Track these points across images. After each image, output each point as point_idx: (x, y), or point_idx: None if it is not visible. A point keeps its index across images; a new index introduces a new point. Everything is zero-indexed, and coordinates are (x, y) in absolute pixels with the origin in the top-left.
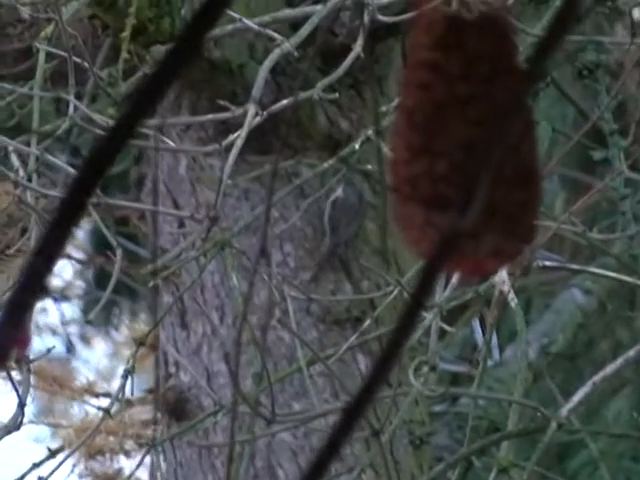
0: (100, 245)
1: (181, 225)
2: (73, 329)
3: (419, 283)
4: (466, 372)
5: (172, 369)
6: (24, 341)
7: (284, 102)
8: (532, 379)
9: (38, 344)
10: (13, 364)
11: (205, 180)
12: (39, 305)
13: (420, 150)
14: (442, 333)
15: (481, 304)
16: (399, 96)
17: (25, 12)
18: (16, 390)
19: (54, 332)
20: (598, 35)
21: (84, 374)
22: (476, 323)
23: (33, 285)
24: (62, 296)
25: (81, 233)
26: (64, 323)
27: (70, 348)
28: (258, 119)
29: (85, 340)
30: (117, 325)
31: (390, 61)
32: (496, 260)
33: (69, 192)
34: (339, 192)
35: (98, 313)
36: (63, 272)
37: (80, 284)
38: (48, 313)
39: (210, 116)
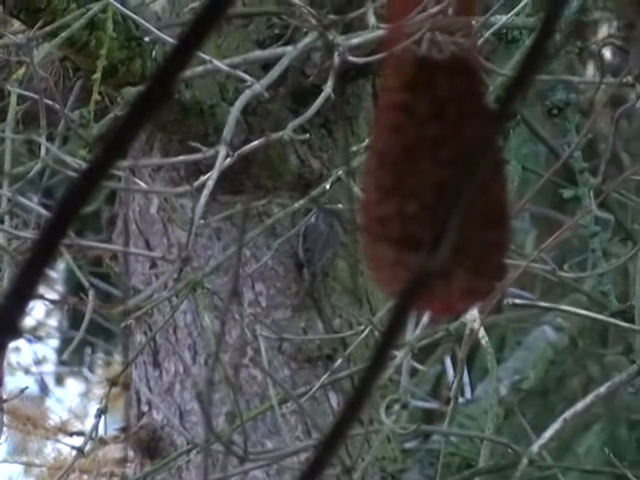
0: (74, 285)
1: (153, 265)
2: (47, 369)
3: (389, 322)
4: (438, 409)
5: (145, 408)
6: None
7: (255, 143)
8: (504, 415)
9: (12, 384)
10: None
11: (177, 220)
12: (13, 345)
13: (390, 190)
14: (414, 370)
15: (452, 342)
16: (370, 137)
17: None
18: None
19: (27, 371)
20: (570, 74)
21: (58, 413)
22: (448, 361)
23: (5, 326)
24: (35, 336)
25: (54, 273)
26: (37, 363)
27: (44, 388)
28: (229, 160)
29: (59, 380)
30: (90, 365)
31: (361, 101)
32: (467, 299)
33: (42, 234)
34: (311, 219)
35: (72, 353)
36: (36, 312)
37: (53, 324)
38: (21, 353)
39: (181, 157)
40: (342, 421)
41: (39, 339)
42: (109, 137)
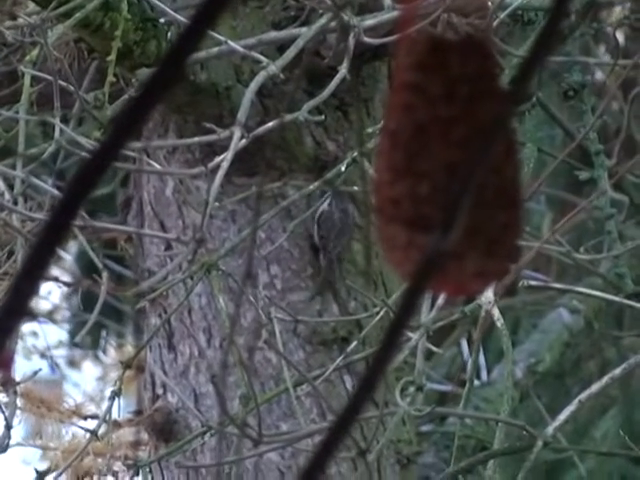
0: (88, 268)
1: (168, 247)
2: (63, 352)
3: (402, 304)
4: (453, 392)
5: (159, 391)
6: (7, 363)
7: (269, 124)
8: (519, 398)
9: (27, 367)
10: (0, 387)
11: (192, 202)
12: (29, 328)
13: (403, 171)
14: (430, 353)
15: (469, 324)
16: (383, 118)
17: (10, 36)
18: (2, 412)
19: (42, 355)
20: (585, 56)
21: (73, 397)
22: (464, 343)
23: (16, 308)
24: (50, 319)
25: (68, 256)
26: (50, 347)
27: (55, 369)
28: (243, 142)
29: (74, 363)
30: (105, 348)
31: (376, 83)
32: (479, 280)
33: (52, 214)
34: (324, 206)
35: (86, 336)
36: (51, 295)
37: (67, 307)
38: (38, 336)
39: (195, 139)
40: (355, 403)
41: (54, 322)
42: (121, 117)
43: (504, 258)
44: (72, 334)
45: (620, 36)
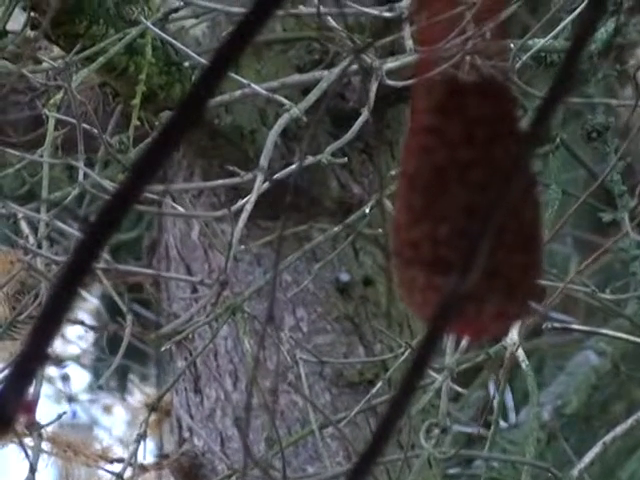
0: (114, 311)
1: (194, 291)
2: (92, 397)
3: (421, 346)
4: (480, 434)
5: (186, 434)
6: (29, 407)
7: (291, 167)
8: (546, 440)
9: (57, 411)
10: (25, 430)
11: (217, 246)
12: (61, 373)
13: (422, 214)
14: (457, 395)
15: (496, 366)
16: (401, 161)
17: (36, 80)
18: (27, 456)
19: (70, 399)
20: (609, 98)
21: (103, 441)
22: (491, 385)
23: (37, 351)
24: (78, 363)
25: (95, 300)
26: (76, 391)
27: (77, 414)
28: (266, 185)
29: (106, 408)
30: (132, 391)
31: (401, 126)
32: (500, 322)
33: (73, 255)
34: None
35: (113, 379)
36: (80, 339)
37: (94, 351)
38: (68, 381)
39: (219, 181)
40: (375, 444)
41: (83, 367)
42: (140, 160)
43: (524, 299)
44: (98, 378)
45: None
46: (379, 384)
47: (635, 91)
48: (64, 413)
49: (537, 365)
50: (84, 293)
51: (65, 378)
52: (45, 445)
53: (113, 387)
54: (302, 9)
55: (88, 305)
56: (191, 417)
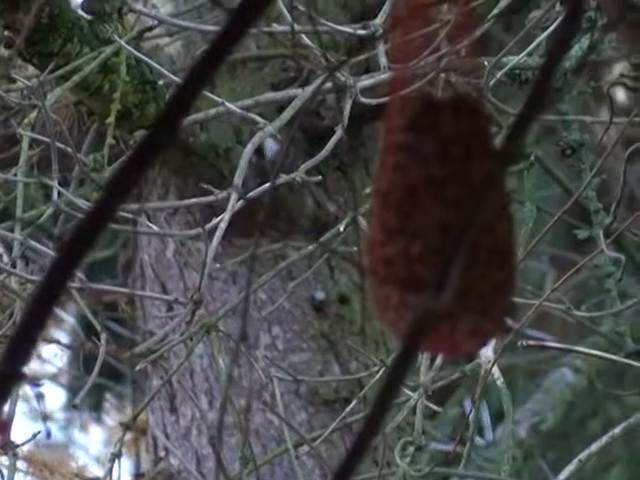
0: (90, 330)
1: (169, 309)
2: (68, 415)
3: (395, 364)
4: (456, 451)
5: (161, 453)
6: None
7: (264, 186)
8: (523, 458)
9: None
10: (0, 450)
11: (193, 264)
12: (36, 391)
13: (395, 232)
14: (434, 412)
15: (471, 383)
16: (375, 178)
17: (10, 99)
18: (1, 475)
19: (45, 418)
20: (585, 115)
21: (79, 460)
22: (467, 402)
23: (12, 371)
24: (54, 382)
25: (71, 318)
26: (52, 410)
27: (51, 433)
28: (240, 203)
29: (82, 426)
30: (108, 410)
31: (376, 143)
32: (474, 340)
33: (47, 274)
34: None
35: (88, 398)
36: (55, 358)
37: (70, 370)
38: (43, 399)
39: (193, 200)
40: (349, 462)
41: (59, 385)
42: (114, 178)
43: (498, 317)
44: (74, 396)
45: (622, 94)
46: (354, 402)
47: (610, 108)
48: (39, 432)
49: (513, 382)
50: (59, 312)
51: (40, 397)
52: (21, 464)
53: (89, 406)
54: (276, 27)
55: (63, 324)
56: (167, 436)
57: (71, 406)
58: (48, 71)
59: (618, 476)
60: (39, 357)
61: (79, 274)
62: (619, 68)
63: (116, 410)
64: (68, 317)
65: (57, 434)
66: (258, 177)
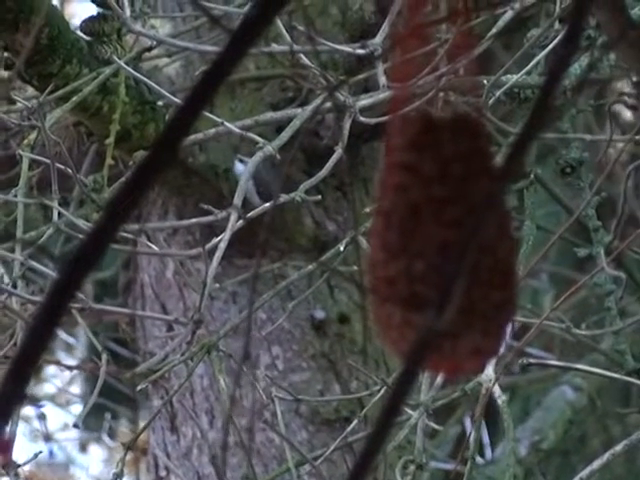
0: (93, 351)
1: (170, 329)
2: (69, 436)
3: (397, 383)
4: (456, 470)
5: (162, 473)
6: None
7: (264, 206)
8: (523, 476)
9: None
10: (1, 470)
11: (192, 284)
12: (37, 412)
13: (397, 251)
14: (434, 431)
15: (472, 402)
16: (376, 197)
17: (9, 120)
18: None
19: (47, 438)
20: (586, 133)
21: (80, 479)
22: (468, 421)
23: (14, 391)
24: (54, 403)
25: (73, 340)
26: (53, 431)
27: (54, 453)
28: (240, 223)
29: (83, 447)
30: (113, 431)
31: (375, 162)
32: (475, 359)
33: (48, 295)
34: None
35: (90, 419)
36: (56, 379)
37: (76, 390)
38: (44, 420)
39: (193, 220)
40: None
41: (59, 406)
42: (114, 199)
43: (499, 336)
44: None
45: (628, 112)
46: (355, 421)
47: (610, 126)
48: (40, 452)
49: (513, 401)
50: (66, 335)
51: (41, 417)
52: None
53: (89, 426)
54: (275, 47)
55: (66, 345)
56: (168, 456)
57: (72, 426)
58: (47, 92)
59: None
60: (38, 377)
61: (80, 294)
62: (621, 86)
63: (116, 430)
64: (70, 338)
65: (58, 454)
66: (258, 196)
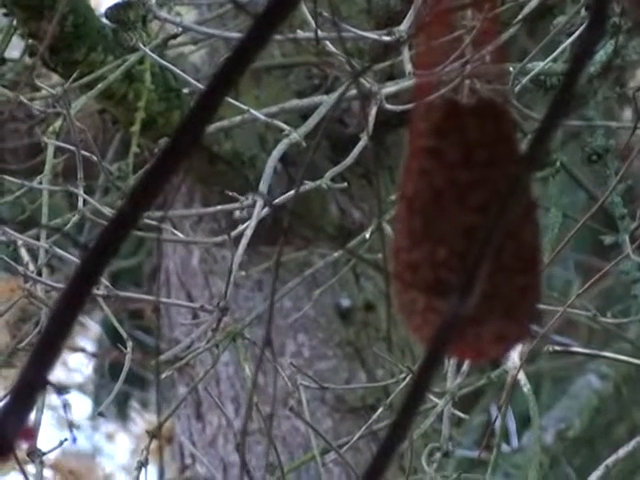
0: (116, 339)
1: (195, 317)
2: (95, 424)
3: (421, 369)
4: (482, 458)
5: (188, 460)
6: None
7: (290, 193)
8: (549, 464)
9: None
10: (27, 457)
11: (218, 272)
12: (63, 400)
13: (421, 237)
14: (460, 419)
15: (497, 390)
16: (400, 183)
17: (34, 107)
18: None
19: (71, 427)
20: (610, 120)
21: (106, 468)
22: (494, 409)
23: (36, 378)
24: (81, 391)
25: (97, 326)
26: (78, 419)
27: (77, 440)
28: (266, 210)
29: (109, 436)
30: (134, 419)
31: (400, 150)
32: (499, 345)
33: (71, 281)
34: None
35: (113, 407)
36: (82, 367)
37: (96, 379)
38: (70, 408)
39: (218, 207)
40: (376, 469)
41: (85, 394)
42: (138, 186)
43: (523, 322)
44: (99, 405)
45: None
46: (381, 409)
47: (634, 113)
48: (65, 440)
49: (539, 388)
50: (85, 320)
51: (66, 406)
52: (47, 472)
53: (115, 414)
54: (300, 34)
55: (89, 332)
56: (193, 444)
57: (96, 414)
58: (72, 79)
59: None
60: (64, 365)
61: (104, 282)
62: None
63: (142, 418)
64: (93, 325)
65: (83, 442)
66: (283, 185)
